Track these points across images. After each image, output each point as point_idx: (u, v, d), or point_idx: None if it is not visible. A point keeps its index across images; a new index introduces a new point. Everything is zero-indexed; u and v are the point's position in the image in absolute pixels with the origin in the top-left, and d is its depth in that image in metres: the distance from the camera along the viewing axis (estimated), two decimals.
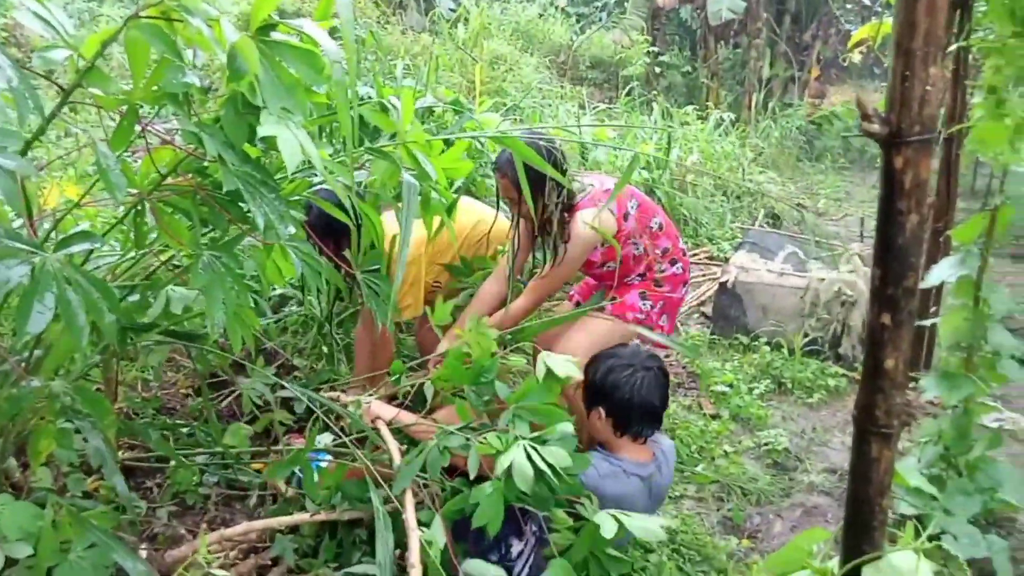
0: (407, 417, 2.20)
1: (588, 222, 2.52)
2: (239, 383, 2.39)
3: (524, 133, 2.62)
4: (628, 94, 8.17)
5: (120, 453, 2.43)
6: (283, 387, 2.32)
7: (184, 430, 2.62)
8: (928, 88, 1.08)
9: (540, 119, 5.57)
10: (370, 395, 2.35)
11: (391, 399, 2.49)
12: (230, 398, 2.93)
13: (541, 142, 2.45)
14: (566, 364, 2.04)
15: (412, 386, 2.32)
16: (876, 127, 1.11)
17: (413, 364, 2.76)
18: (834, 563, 1.38)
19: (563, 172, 2.48)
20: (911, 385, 3.29)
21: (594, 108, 6.99)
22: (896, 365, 1.18)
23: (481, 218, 2.92)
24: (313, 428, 2.21)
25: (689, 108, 7.96)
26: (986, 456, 2.55)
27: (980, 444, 2.56)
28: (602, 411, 2.18)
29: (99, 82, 1.47)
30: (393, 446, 2.03)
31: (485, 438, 1.93)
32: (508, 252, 2.73)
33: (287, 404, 2.49)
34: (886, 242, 1.15)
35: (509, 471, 1.83)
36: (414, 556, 1.53)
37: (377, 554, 1.77)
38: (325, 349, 3.05)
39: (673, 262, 2.77)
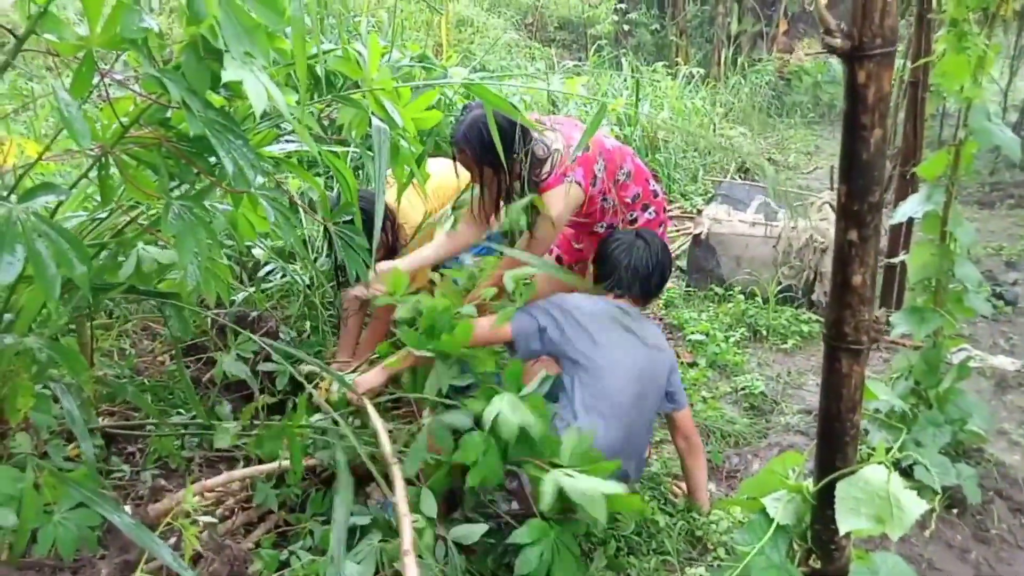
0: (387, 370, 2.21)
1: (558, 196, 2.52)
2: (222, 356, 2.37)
3: (470, 106, 2.59)
4: (597, 53, 8.12)
5: (100, 420, 2.41)
6: (268, 359, 2.30)
7: (161, 394, 2.60)
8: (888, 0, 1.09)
9: (509, 78, 5.52)
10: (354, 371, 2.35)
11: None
12: (207, 364, 2.91)
13: (498, 118, 2.38)
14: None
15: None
16: (838, 41, 1.11)
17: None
18: (809, 482, 1.41)
19: (527, 143, 2.46)
20: (885, 321, 3.36)
21: (563, 67, 6.95)
22: (864, 281, 1.20)
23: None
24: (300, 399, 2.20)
25: (659, 65, 7.93)
26: (955, 388, 2.62)
27: (949, 376, 2.62)
28: (594, 269, 2.43)
29: (53, 27, 1.43)
30: (379, 425, 2.02)
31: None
32: (447, 219, 2.74)
33: (270, 376, 2.47)
34: (851, 158, 1.17)
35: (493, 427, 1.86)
36: (407, 543, 1.50)
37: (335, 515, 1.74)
38: (308, 322, 3.01)
39: (645, 207, 2.77)
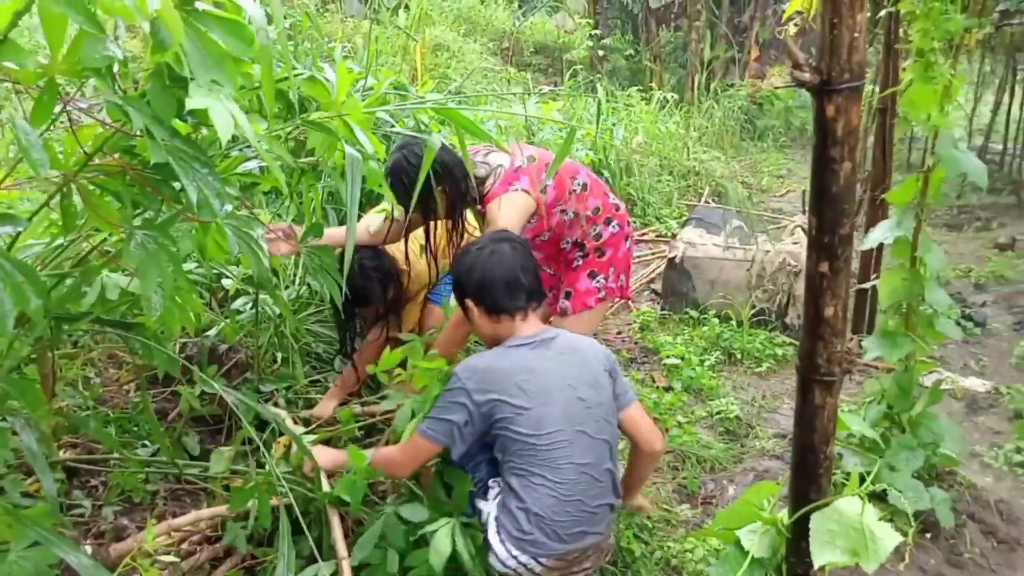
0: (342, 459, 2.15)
1: (505, 203, 2.46)
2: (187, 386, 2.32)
3: (400, 144, 2.51)
4: (572, 77, 8.19)
5: (62, 452, 2.35)
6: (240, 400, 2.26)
7: (127, 425, 2.54)
8: (856, 35, 1.10)
9: (485, 103, 5.54)
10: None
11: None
12: (174, 395, 2.85)
13: (411, 158, 2.40)
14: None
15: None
16: (807, 75, 1.12)
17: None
18: (783, 514, 1.40)
19: (460, 173, 2.43)
20: (857, 347, 3.38)
21: (539, 92, 6.99)
22: (836, 313, 1.20)
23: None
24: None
25: (633, 90, 8.02)
26: (928, 412, 2.63)
27: (922, 400, 2.63)
28: (470, 303, 2.10)
29: (13, 55, 1.40)
30: (334, 521, 2.01)
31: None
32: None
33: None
34: (821, 190, 1.17)
35: None
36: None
37: None
38: (279, 353, 2.95)
39: (608, 221, 2.74)
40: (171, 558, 1.62)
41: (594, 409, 1.99)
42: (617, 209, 2.78)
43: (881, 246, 3.33)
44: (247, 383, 2.76)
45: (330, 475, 2.14)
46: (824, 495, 1.28)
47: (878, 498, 2.40)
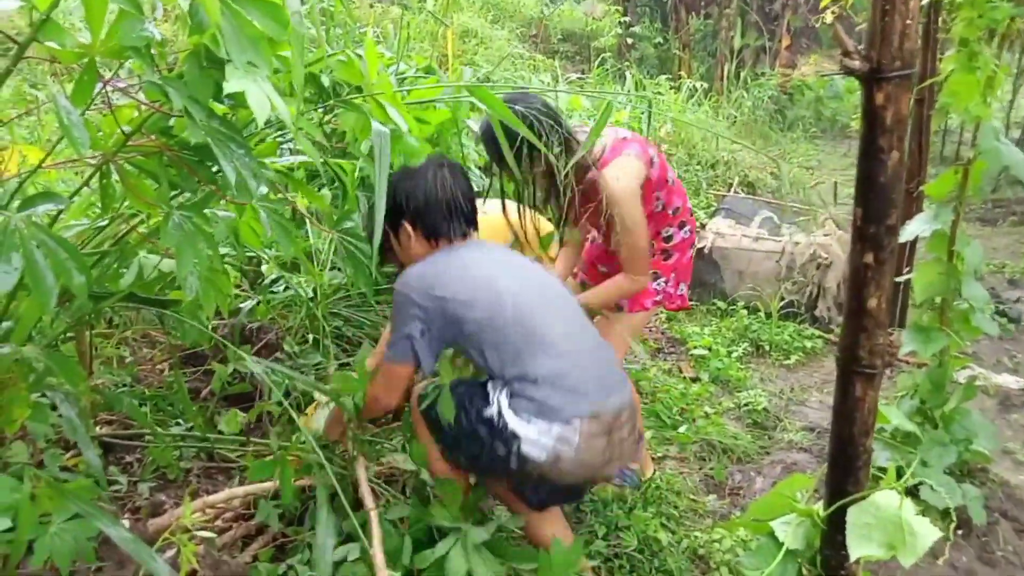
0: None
1: (622, 172, 2.30)
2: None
3: (507, 95, 2.36)
4: (600, 65, 8.13)
5: (98, 428, 2.39)
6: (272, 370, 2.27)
7: (160, 404, 2.58)
8: (908, 22, 1.08)
9: (513, 90, 5.52)
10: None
11: None
12: (207, 374, 2.88)
13: (518, 106, 2.22)
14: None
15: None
16: (857, 63, 1.10)
17: None
18: (819, 506, 1.39)
19: (558, 133, 2.27)
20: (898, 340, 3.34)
21: (566, 79, 6.95)
22: (879, 304, 1.18)
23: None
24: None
25: (662, 79, 7.94)
26: (961, 408, 2.60)
27: (955, 396, 2.60)
28: (407, 226, 2.04)
29: (55, 35, 1.41)
30: (361, 473, 2.00)
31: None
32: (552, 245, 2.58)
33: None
34: (868, 180, 1.15)
35: None
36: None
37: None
38: (310, 335, 2.96)
39: (682, 225, 2.60)
40: (208, 534, 1.65)
41: (549, 286, 2.01)
42: (691, 214, 2.64)
43: (915, 239, 3.29)
44: (278, 363, 2.78)
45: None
46: (862, 488, 1.27)
47: (910, 493, 2.38)
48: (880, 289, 1.17)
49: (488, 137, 2.24)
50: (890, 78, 1.09)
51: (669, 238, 2.58)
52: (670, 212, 2.54)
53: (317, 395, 2.36)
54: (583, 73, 8.52)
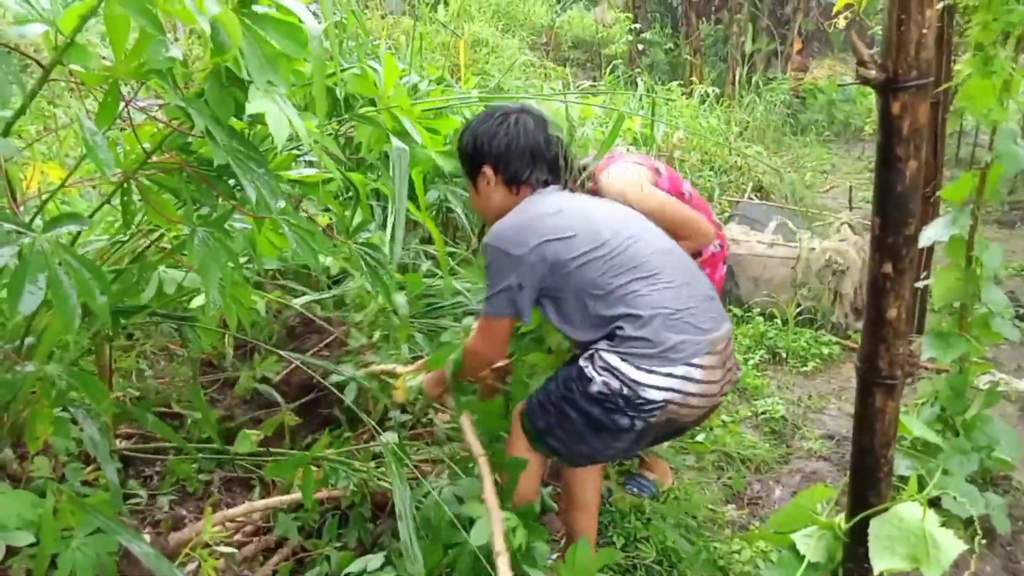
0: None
1: (622, 169, 2.28)
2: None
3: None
4: (612, 72, 8.14)
5: (118, 442, 2.41)
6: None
7: (179, 419, 2.60)
8: (924, 31, 1.07)
9: (525, 98, 5.53)
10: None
11: None
12: (225, 385, 2.90)
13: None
14: None
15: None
16: (873, 73, 1.10)
17: None
18: (840, 518, 1.38)
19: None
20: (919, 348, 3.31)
21: (578, 86, 6.96)
22: (899, 315, 1.18)
23: None
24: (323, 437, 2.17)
25: (673, 85, 7.94)
26: (983, 415, 2.57)
27: (976, 403, 2.57)
28: (489, 171, 1.98)
29: (80, 58, 1.43)
30: (466, 423, 1.97)
31: None
32: None
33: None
34: (886, 189, 1.15)
35: None
36: (499, 543, 1.42)
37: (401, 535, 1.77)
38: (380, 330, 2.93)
39: None
40: (229, 549, 1.66)
41: (641, 219, 1.97)
42: (720, 228, 2.60)
43: (932, 244, 3.26)
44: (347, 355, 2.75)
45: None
46: (884, 500, 1.26)
47: (932, 503, 2.36)
48: (900, 299, 1.17)
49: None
50: (907, 87, 1.09)
51: (697, 254, 2.48)
52: None
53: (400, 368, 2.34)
54: (595, 80, 8.53)
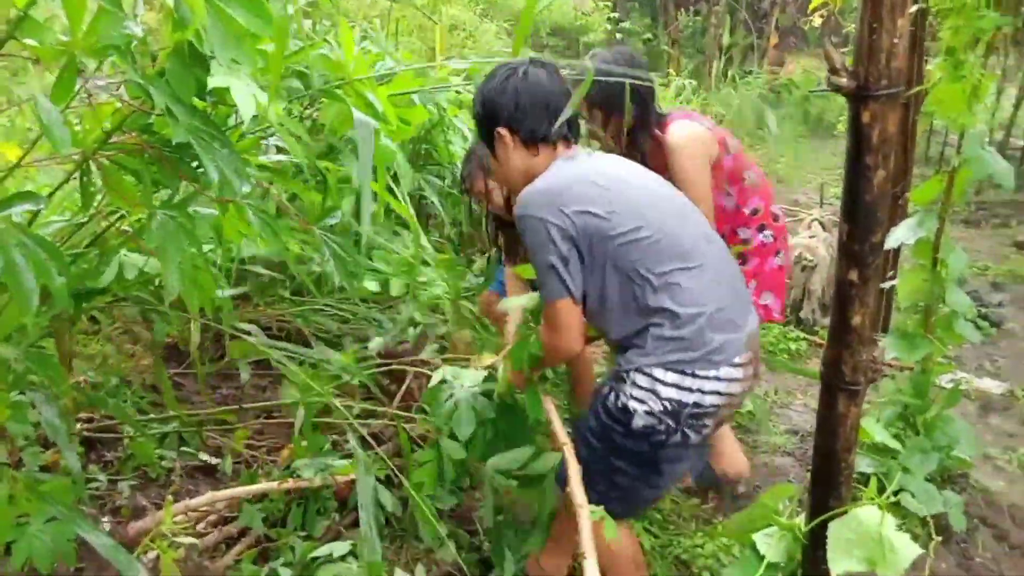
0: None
1: (691, 126, 2.24)
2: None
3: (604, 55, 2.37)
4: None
5: (79, 425, 2.36)
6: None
7: (141, 403, 2.56)
8: (896, 40, 1.07)
9: None
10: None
11: None
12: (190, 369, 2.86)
13: (617, 59, 2.28)
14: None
15: None
16: (844, 80, 1.10)
17: None
18: (801, 519, 1.39)
19: (645, 92, 2.27)
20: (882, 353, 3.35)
21: None
22: (863, 321, 1.19)
23: None
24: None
25: (652, 75, 7.92)
26: (944, 414, 2.61)
27: (938, 403, 2.61)
28: (504, 133, 1.80)
29: (34, 32, 1.38)
30: (549, 406, 1.88)
31: None
32: None
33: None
34: (853, 197, 1.15)
35: None
36: (587, 543, 1.34)
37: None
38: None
39: (761, 228, 2.47)
40: (189, 540, 1.63)
41: (675, 195, 1.81)
42: (775, 219, 2.52)
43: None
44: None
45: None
46: (844, 503, 1.27)
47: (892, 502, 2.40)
48: (864, 306, 1.18)
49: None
50: (877, 96, 1.09)
51: (746, 242, 2.43)
52: (746, 212, 2.41)
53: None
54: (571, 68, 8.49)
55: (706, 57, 9.85)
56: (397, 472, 2.01)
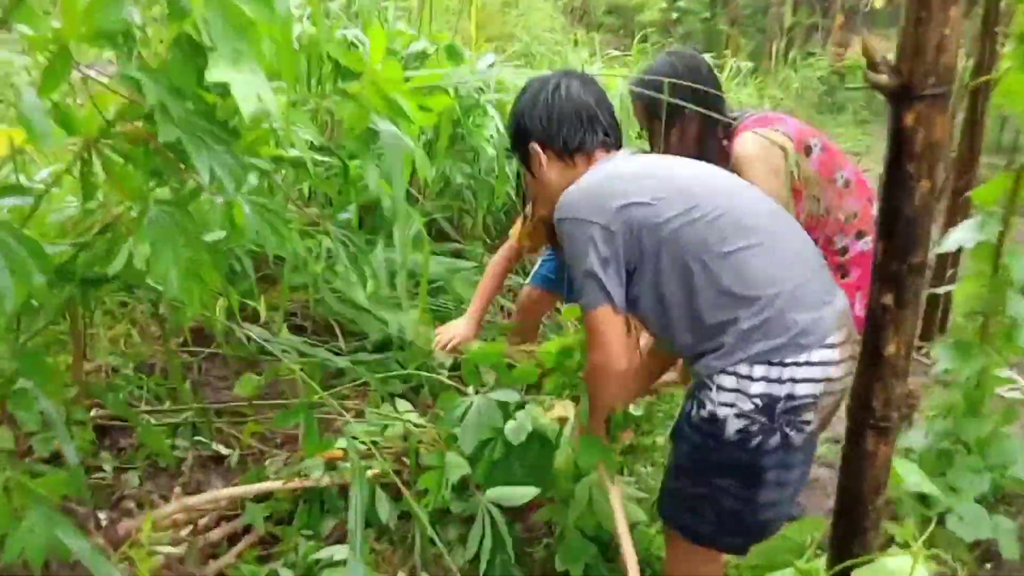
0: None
1: (760, 138, 2.08)
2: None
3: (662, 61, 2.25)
4: (643, 41, 7.88)
5: (91, 412, 2.35)
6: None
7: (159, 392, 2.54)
8: (946, 33, 0.93)
9: (549, 66, 5.35)
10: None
11: None
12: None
13: (679, 65, 2.16)
14: None
15: None
16: (884, 78, 0.96)
17: None
18: (822, 561, 1.27)
19: (714, 96, 2.14)
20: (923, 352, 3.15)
21: (605, 55, 6.74)
22: (898, 351, 1.05)
23: None
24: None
25: (707, 56, 7.67)
26: (999, 431, 2.43)
27: (993, 418, 2.43)
28: (537, 149, 1.75)
29: (27, 20, 1.33)
30: (615, 493, 1.73)
31: None
32: None
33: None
34: (891, 211, 1.01)
35: None
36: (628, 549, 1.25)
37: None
38: None
39: (860, 235, 2.23)
40: (169, 550, 1.59)
41: (726, 175, 1.69)
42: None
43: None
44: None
45: None
46: (869, 551, 1.14)
47: (937, 522, 2.24)
48: (900, 334, 1.04)
49: (635, 94, 2.20)
50: (922, 97, 0.95)
51: (844, 250, 2.22)
52: (841, 218, 2.20)
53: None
54: (626, 49, 8.27)
55: (767, 37, 9.50)
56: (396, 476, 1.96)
